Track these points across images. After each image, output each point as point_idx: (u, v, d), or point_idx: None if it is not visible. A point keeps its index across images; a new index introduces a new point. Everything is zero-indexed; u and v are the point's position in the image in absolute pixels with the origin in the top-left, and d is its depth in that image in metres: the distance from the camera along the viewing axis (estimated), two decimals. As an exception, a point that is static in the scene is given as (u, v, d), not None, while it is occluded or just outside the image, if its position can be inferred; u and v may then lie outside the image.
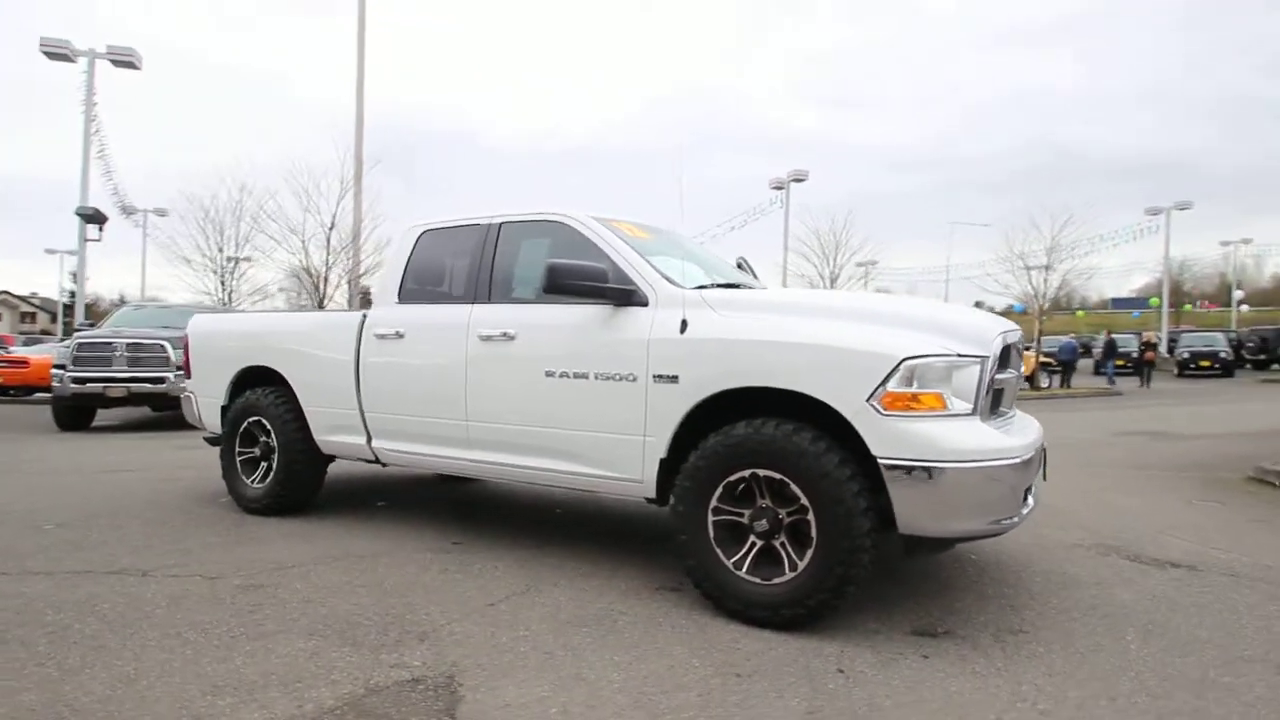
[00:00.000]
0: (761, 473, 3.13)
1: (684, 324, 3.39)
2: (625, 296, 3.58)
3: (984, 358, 3.05)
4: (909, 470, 2.88)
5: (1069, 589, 3.68)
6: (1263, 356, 27.71)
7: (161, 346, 10.41)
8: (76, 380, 10.06)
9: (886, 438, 2.91)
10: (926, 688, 2.62)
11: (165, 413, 12.23)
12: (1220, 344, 25.39)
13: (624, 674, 2.69)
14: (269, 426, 4.98)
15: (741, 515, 3.23)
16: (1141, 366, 23.23)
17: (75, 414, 10.54)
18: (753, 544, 3.20)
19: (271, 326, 5.27)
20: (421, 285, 4.51)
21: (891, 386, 2.92)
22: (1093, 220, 23.04)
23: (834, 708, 2.47)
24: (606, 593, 3.53)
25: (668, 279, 3.61)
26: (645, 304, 3.56)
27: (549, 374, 3.74)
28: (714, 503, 3.24)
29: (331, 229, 13.20)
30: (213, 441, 5.67)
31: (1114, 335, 24.58)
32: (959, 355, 3.00)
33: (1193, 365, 25.86)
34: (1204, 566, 4.08)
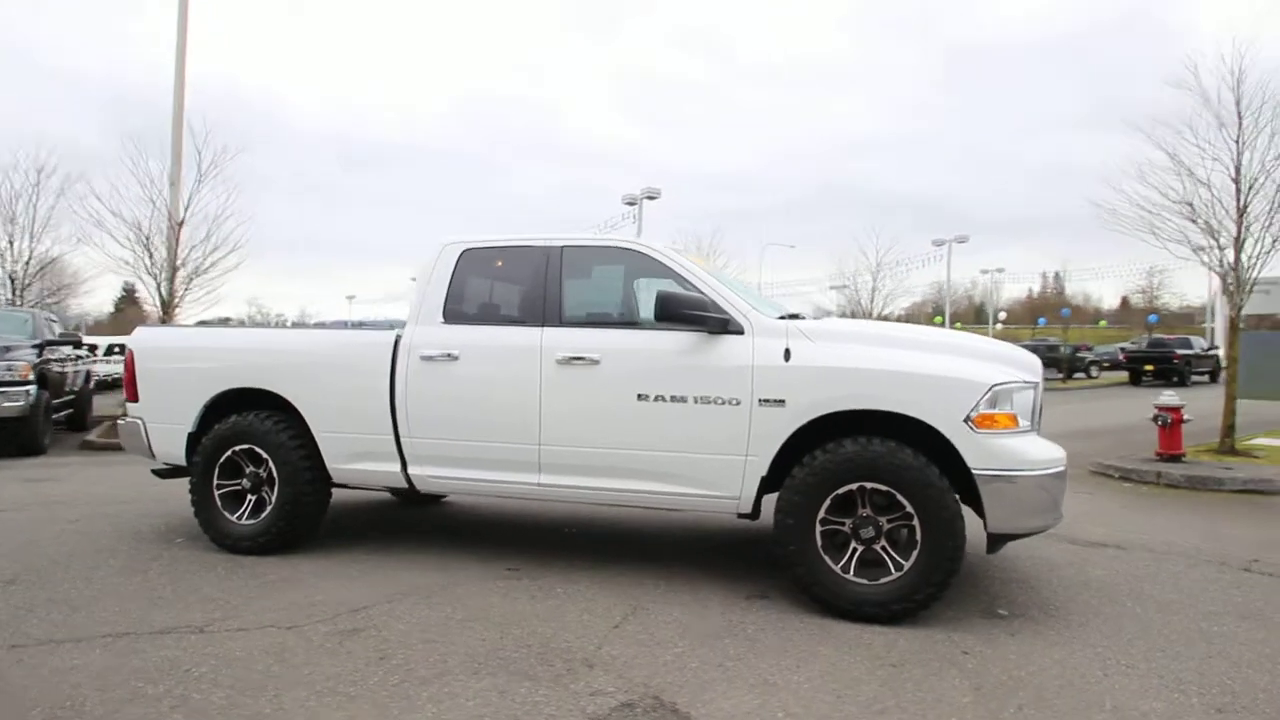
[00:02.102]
0: (868, 485, 3.54)
1: (787, 352, 3.71)
2: (722, 325, 3.81)
3: (1037, 383, 3.71)
4: (998, 478, 3.44)
5: (1056, 570, 4.49)
6: (1018, 368, 33.60)
7: (-26, 360, 8.64)
8: None
9: (979, 452, 3.45)
10: (1038, 657, 3.17)
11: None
12: (991, 358, 30.29)
13: (801, 676, 2.95)
14: (265, 455, 4.50)
15: (843, 524, 3.60)
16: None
17: None
18: (854, 550, 3.59)
19: (271, 344, 4.74)
20: (468, 305, 4.38)
21: (982, 408, 3.47)
22: (894, 248, 26.53)
23: (989, 682, 2.92)
24: (709, 606, 3.72)
25: (758, 309, 3.91)
26: (741, 332, 3.82)
27: (641, 397, 3.86)
28: (822, 514, 3.59)
29: (181, 225, 11.61)
30: (165, 474, 5.00)
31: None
32: (1024, 382, 3.62)
33: (970, 375, 30.57)
34: (1126, 545, 5.14)
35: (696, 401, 3.78)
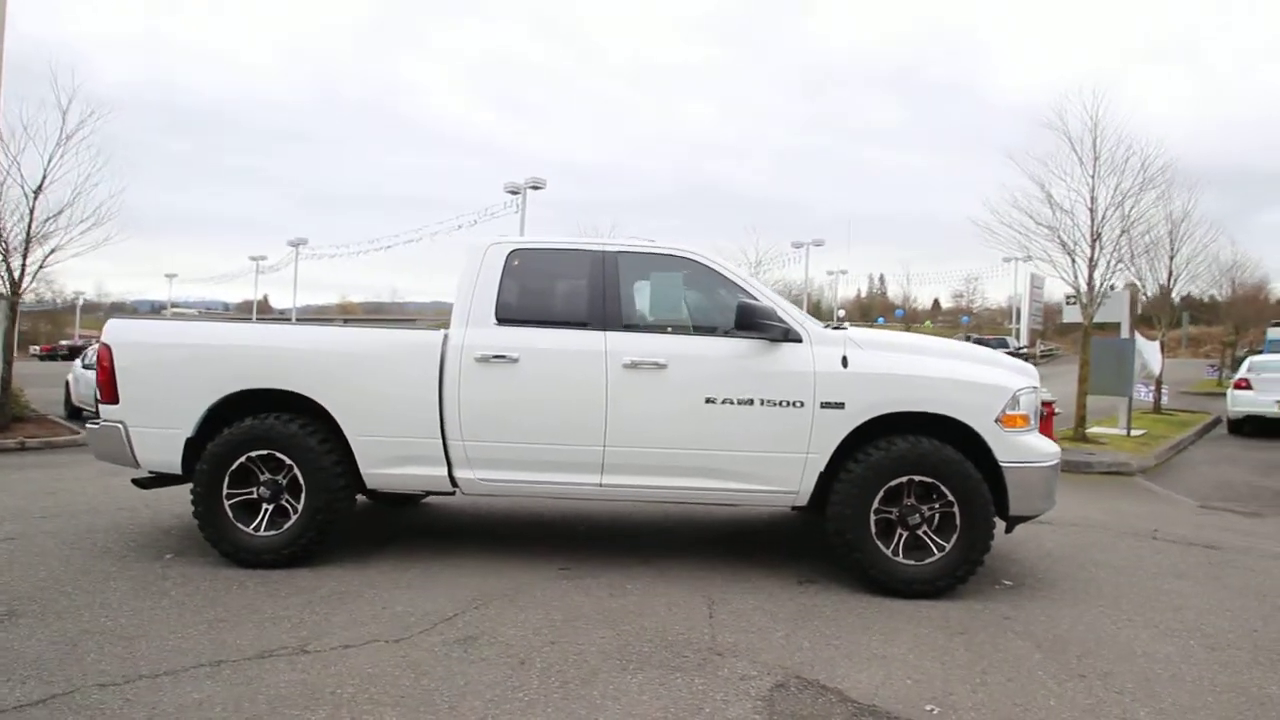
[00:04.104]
0: (916, 478, 4.01)
1: (845, 360, 4.09)
2: (784, 334, 4.12)
3: (1038, 387, 4.38)
4: (1018, 469, 4.05)
5: (1022, 544, 5.25)
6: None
7: None
8: None
9: (1006, 447, 4.04)
10: (1061, 617, 3.79)
11: None
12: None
13: (900, 648, 3.34)
14: (289, 461, 4.22)
15: (891, 513, 4.06)
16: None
17: None
18: (900, 535, 4.06)
19: (299, 342, 4.39)
20: (522, 307, 4.36)
21: (1008, 410, 4.06)
22: (770, 249, 28.24)
23: (1044, 641, 3.47)
24: (772, 592, 4.03)
25: (809, 319, 4.26)
26: (799, 340, 4.15)
27: (709, 400, 4.08)
28: (875, 504, 4.02)
29: (38, 194, 9.98)
30: (147, 484, 4.53)
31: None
32: (1032, 387, 4.27)
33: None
34: (1054, 522, 6.05)
35: (763, 404, 4.07)
